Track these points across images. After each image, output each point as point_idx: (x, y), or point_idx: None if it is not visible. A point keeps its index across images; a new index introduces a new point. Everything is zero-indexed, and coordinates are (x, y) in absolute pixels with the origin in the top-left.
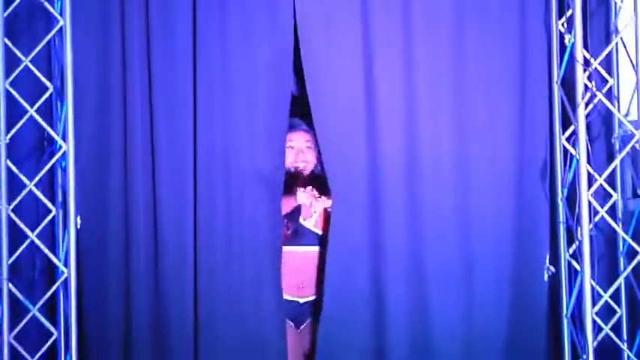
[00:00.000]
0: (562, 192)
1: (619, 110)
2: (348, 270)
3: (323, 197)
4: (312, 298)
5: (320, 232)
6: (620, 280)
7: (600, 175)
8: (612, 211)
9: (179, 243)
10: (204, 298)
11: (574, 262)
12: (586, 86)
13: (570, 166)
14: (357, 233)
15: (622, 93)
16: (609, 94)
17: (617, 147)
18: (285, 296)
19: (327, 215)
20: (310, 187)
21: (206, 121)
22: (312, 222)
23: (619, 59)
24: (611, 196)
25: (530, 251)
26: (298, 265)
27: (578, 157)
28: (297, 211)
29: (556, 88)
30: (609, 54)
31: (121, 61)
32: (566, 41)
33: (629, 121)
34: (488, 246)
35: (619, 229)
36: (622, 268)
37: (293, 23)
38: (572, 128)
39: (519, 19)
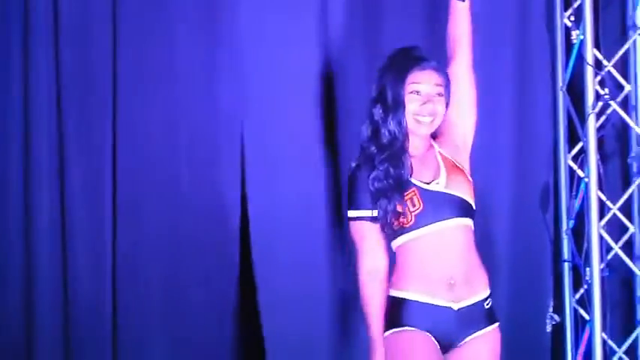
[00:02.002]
0: (567, 224)
1: (637, 123)
2: None
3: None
4: (475, 300)
5: (459, 195)
6: (638, 332)
7: (614, 203)
8: (628, 248)
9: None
10: (123, 302)
11: (581, 310)
12: (597, 93)
13: (577, 192)
14: None
15: None
16: (625, 104)
17: (634, 168)
18: (426, 299)
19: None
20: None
21: (126, 125)
22: (442, 182)
23: (637, 61)
24: (627, 228)
25: (529, 296)
26: (439, 249)
27: (587, 180)
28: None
29: (561, 95)
30: (625, 54)
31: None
32: (574, 38)
33: None
34: None
35: (636, 270)
36: (639, 317)
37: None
38: (580, 145)
39: (517, 13)
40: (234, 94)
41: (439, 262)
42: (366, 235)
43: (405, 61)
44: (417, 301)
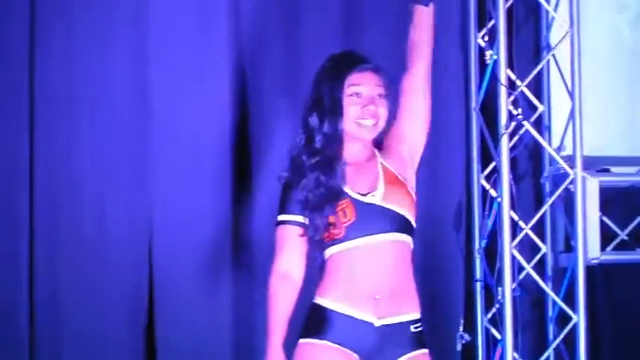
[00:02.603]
0: (480, 243)
1: (550, 143)
2: None
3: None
4: (401, 320)
5: (396, 209)
6: (549, 351)
7: (526, 223)
8: (540, 267)
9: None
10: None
11: (493, 330)
12: (510, 113)
13: (490, 212)
14: None
15: (554, 123)
16: (538, 124)
17: (547, 189)
18: (348, 311)
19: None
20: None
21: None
22: (379, 195)
23: (550, 82)
24: (539, 248)
25: (440, 315)
26: (368, 263)
27: (499, 200)
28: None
29: (474, 115)
30: (539, 75)
31: None
32: (487, 59)
33: (562, 157)
34: None
35: (548, 290)
36: (551, 336)
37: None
38: (493, 165)
39: None
40: (137, 104)
41: (367, 277)
42: (287, 238)
43: (342, 64)
44: (338, 312)
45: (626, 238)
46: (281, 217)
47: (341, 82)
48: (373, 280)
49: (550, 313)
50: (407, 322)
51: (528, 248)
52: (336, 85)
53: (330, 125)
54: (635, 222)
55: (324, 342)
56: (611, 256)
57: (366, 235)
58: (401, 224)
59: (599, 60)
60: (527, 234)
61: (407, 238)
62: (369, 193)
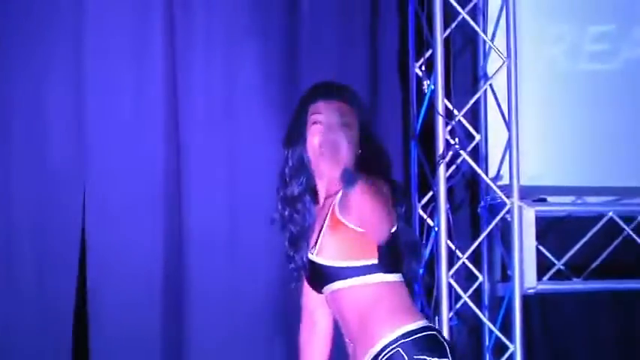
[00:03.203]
0: None
1: (487, 173)
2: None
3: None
4: (371, 355)
5: (327, 263)
6: None
7: (463, 253)
8: (477, 297)
9: None
10: None
11: None
12: (448, 143)
13: (427, 241)
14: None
15: (491, 153)
16: (475, 153)
17: (484, 218)
18: None
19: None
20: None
21: None
22: (315, 251)
23: (487, 112)
24: (476, 278)
25: None
26: (334, 313)
27: (437, 229)
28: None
29: (412, 144)
30: (476, 104)
31: None
32: (425, 88)
33: (498, 187)
34: None
35: (484, 319)
36: None
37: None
38: (430, 194)
39: (368, 58)
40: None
41: (340, 324)
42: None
43: (311, 93)
44: None
45: (562, 267)
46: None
47: (305, 110)
48: (342, 326)
49: (487, 343)
50: (376, 354)
51: (465, 277)
52: (302, 112)
53: (295, 155)
54: (572, 251)
55: None
56: (547, 286)
57: (317, 291)
58: (337, 274)
59: (536, 90)
60: (464, 263)
61: (347, 283)
62: (312, 248)
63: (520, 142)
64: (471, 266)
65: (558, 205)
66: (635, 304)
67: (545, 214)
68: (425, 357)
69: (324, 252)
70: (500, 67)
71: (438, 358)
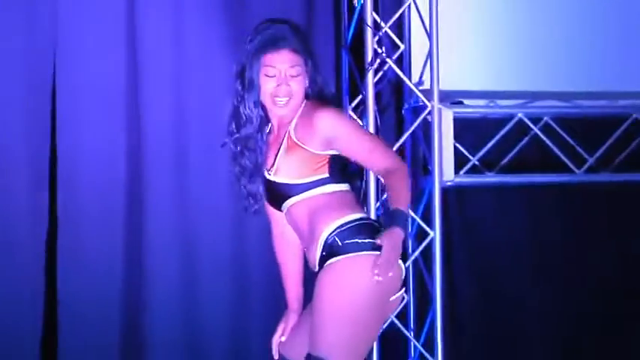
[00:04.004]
0: None
1: (410, 79)
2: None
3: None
4: (319, 250)
5: (283, 181)
6: (408, 263)
7: None
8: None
9: None
10: None
11: None
12: (376, 52)
13: None
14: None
15: (414, 60)
16: (400, 61)
17: (407, 119)
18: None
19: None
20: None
21: None
22: (274, 170)
23: (411, 24)
24: None
25: None
26: (290, 226)
27: (366, 128)
28: None
29: (343, 53)
30: (401, 18)
31: None
32: (355, 2)
33: (420, 91)
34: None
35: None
36: (410, 250)
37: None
38: (359, 98)
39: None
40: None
41: (299, 236)
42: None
43: (261, 42)
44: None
45: (477, 163)
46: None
47: (258, 61)
48: (298, 236)
49: (409, 230)
50: (321, 248)
51: None
52: (255, 62)
53: (251, 101)
54: (485, 149)
55: None
56: (463, 179)
57: (273, 207)
58: (292, 190)
59: (455, 5)
60: None
61: (299, 198)
62: (270, 168)
63: (440, 51)
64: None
65: (473, 108)
66: (540, 196)
67: (462, 116)
68: (356, 240)
69: (281, 172)
70: None
71: (369, 238)
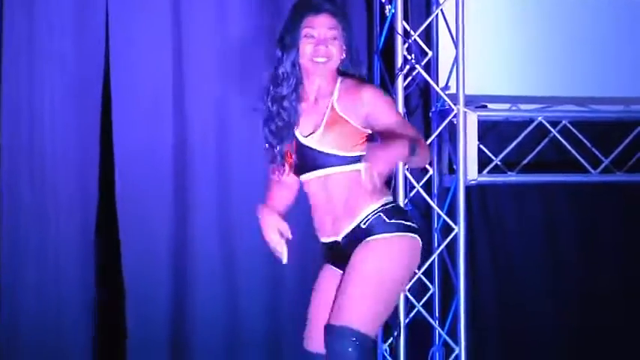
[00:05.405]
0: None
1: (437, 84)
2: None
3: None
4: (353, 226)
5: (328, 151)
6: (434, 256)
7: None
8: (428, 187)
9: None
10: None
11: None
12: (405, 58)
13: None
14: (160, 233)
15: (441, 66)
16: (428, 67)
17: (434, 121)
18: (324, 239)
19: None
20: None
21: (12, 111)
22: (316, 136)
23: (439, 32)
24: (427, 170)
25: None
26: (318, 193)
27: None
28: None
29: (375, 58)
30: (429, 26)
31: None
32: (387, 12)
33: (447, 95)
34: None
35: (434, 205)
36: (436, 244)
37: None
38: None
39: None
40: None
41: (320, 203)
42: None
43: (301, 7)
44: (322, 242)
45: (499, 163)
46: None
47: (298, 23)
48: (324, 205)
49: (435, 225)
50: (357, 224)
51: (418, 170)
52: (295, 25)
53: (289, 61)
54: (507, 150)
55: (326, 264)
56: (486, 178)
57: (305, 174)
58: (333, 162)
59: (481, 14)
60: None
61: (340, 169)
62: (310, 134)
63: (465, 58)
64: (410, 177)
65: (496, 111)
66: (557, 194)
67: (486, 119)
68: (401, 220)
69: (324, 141)
70: None
71: (408, 221)
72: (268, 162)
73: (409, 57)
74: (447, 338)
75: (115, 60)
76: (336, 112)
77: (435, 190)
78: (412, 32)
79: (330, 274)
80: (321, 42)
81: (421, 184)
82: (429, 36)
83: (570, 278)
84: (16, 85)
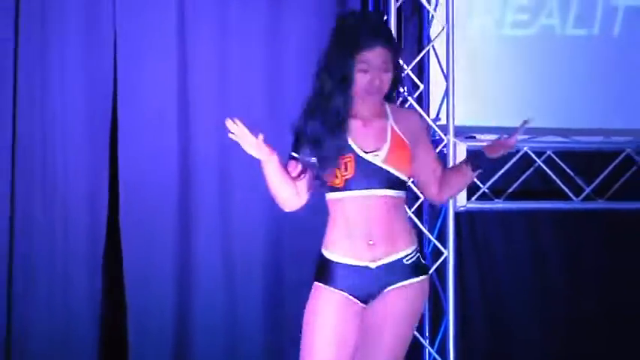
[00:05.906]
0: None
1: (428, 115)
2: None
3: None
4: (394, 259)
5: (394, 172)
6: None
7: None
8: (419, 212)
9: None
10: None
11: None
12: (398, 91)
13: None
14: (163, 244)
15: (432, 99)
16: (420, 99)
17: None
18: (350, 261)
19: (400, 145)
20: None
21: (26, 123)
22: (382, 155)
23: (430, 67)
24: (418, 197)
25: None
26: (361, 211)
27: None
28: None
29: None
30: (421, 61)
31: None
32: None
33: (437, 126)
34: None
35: (425, 230)
36: None
37: (113, 34)
38: None
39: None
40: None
41: (360, 223)
42: (293, 166)
43: (354, 40)
44: (340, 263)
45: (487, 190)
46: (293, 154)
47: (352, 58)
48: (365, 227)
49: (426, 249)
50: (399, 258)
51: (411, 197)
52: (348, 59)
53: (341, 97)
54: (494, 178)
55: (331, 288)
56: (475, 205)
57: (362, 190)
58: (393, 183)
59: (469, 50)
60: (409, 185)
61: (396, 193)
62: (373, 152)
63: (455, 91)
64: (414, 187)
65: (485, 142)
66: (542, 220)
67: (474, 149)
68: (424, 262)
69: (391, 162)
70: (440, 32)
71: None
72: (313, 175)
73: (402, 90)
74: (437, 356)
75: (122, 77)
76: (398, 135)
77: (426, 216)
78: (405, 66)
79: (345, 304)
80: (375, 76)
81: (413, 209)
82: (422, 70)
83: (556, 300)
84: (29, 113)
